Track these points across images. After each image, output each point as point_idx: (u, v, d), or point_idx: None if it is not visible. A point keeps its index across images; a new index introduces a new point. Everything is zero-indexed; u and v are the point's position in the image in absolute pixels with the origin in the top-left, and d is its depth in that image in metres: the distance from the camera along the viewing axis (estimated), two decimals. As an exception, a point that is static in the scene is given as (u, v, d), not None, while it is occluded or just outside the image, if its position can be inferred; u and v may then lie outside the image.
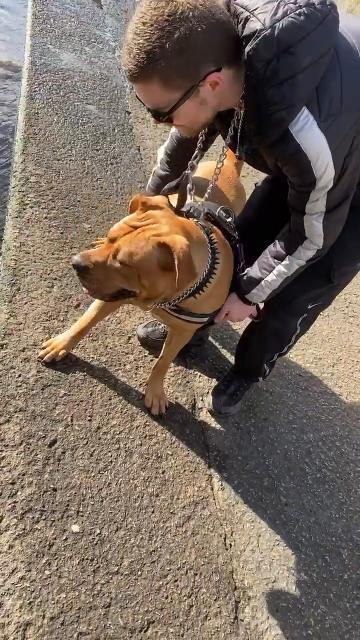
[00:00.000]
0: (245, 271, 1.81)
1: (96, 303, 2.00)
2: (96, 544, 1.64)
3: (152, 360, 2.29)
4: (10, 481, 1.65)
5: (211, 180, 1.75)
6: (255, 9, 1.21)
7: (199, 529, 1.85)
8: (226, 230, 1.79)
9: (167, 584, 1.66)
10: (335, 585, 1.92)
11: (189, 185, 1.71)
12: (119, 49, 4.70)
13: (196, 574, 1.73)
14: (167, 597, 1.64)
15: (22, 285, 2.23)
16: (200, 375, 2.40)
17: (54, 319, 2.18)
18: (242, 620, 1.70)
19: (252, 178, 3.30)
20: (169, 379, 2.29)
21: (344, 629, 1.81)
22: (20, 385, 1.89)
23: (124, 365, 2.20)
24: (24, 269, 2.30)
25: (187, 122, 1.40)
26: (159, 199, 1.57)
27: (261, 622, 1.71)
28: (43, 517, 1.62)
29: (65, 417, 1.90)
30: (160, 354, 2.12)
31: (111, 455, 1.88)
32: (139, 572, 1.64)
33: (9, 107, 3.53)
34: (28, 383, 1.92)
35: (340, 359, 2.95)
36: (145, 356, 2.30)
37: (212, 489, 2.00)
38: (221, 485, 2.02)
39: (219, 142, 1.73)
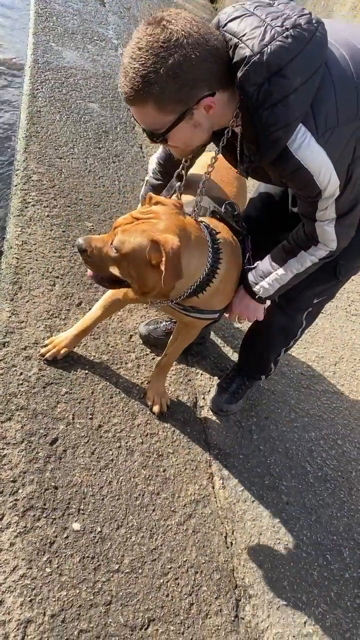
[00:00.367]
0: (255, 264, 1.81)
1: (100, 302, 2.02)
2: (97, 541, 1.65)
3: (153, 359, 2.30)
4: (11, 479, 1.65)
5: (204, 176, 1.74)
6: (244, 35, 1.24)
7: (200, 527, 1.85)
8: (233, 226, 1.82)
9: (167, 582, 1.67)
10: (336, 584, 1.92)
11: (177, 185, 1.73)
12: (122, 46, 4.70)
13: (197, 572, 1.73)
14: (167, 595, 1.64)
15: (24, 284, 2.23)
16: (202, 374, 2.40)
17: (55, 317, 2.19)
18: (243, 619, 1.70)
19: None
20: (170, 377, 2.29)
21: (344, 628, 1.81)
22: (22, 384, 1.90)
23: (126, 363, 2.20)
24: (26, 267, 2.30)
25: (181, 144, 1.43)
26: (168, 200, 1.62)
27: (262, 620, 1.72)
28: (44, 515, 1.63)
29: (66, 415, 1.90)
30: (164, 352, 2.12)
31: (112, 454, 1.88)
32: (140, 570, 1.65)
33: (12, 105, 3.53)
34: (29, 381, 1.92)
35: (343, 358, 2.94)
36: (146, 354, 2.30)
37: (213, 488, 2.00)
38: (222, 483, 2.02)
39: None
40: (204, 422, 2.20)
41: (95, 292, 2.40)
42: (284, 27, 1.22)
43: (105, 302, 2.00)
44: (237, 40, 1.25)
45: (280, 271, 1.70)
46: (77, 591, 1.52)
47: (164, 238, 1.46)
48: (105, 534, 1.68)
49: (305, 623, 1.77)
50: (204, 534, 1.84)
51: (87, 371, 2.07)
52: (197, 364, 2.44)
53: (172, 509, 1.85)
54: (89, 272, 1.68)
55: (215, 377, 2.41)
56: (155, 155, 1.99)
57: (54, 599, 1.48)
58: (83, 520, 1.67)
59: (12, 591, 1.45)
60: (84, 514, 1.69)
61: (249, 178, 1.70)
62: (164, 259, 1.44)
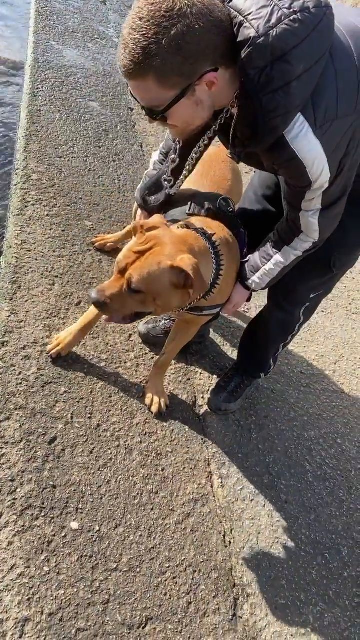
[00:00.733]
0: (247, 258, 1.83)
1: None
2: (95, 541, 1.65)
3: (153, 358, 2.30)
4: (10, 478, 1.66)
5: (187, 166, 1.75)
6: (249, 14, 1.19)
7: (199, 526, 1.85)
8: (229, 220, 1.84)
9: (165, 580, 1.67)
10: (335, 583, 1.92)
11: (164, 176, 1.72)
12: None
13: (195, 571, 1.73)
14: (165, 594, 1.64)
15: (23, 283, 2.23)
16: (201, 373, 2.40)
17: (54, 316, 2.19)
18: (241, 618, 1.70)
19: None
20: (169, 376, 2.29)
21: (343, 627, 1.81)
22: (21, 383, 1.90)
23: (125, 362, 2.21)
24: (25, 266, 2.31)
25: (181, 123, 1.37)
26: (155, 220, 1.63)
27: (260, 619, 1.72)
28: (42, 514, 1.63)
29: (65, 414, 1.91)
30: (162, 351, 2.12)
31: (111, 453, 1.89)
32: (138, 569, 1.65)
33: (12, 104, 3.53)
34: (28, 381, 1.92)
35: (343, 356, 2.94)
36: (146, 354, 2.30)
37: (211, 487, 2.00)
38: (221, 482, 2.02)
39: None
40: (203, 421, 2.21)
41: (95, 292, 2.40)
42: (291, 10, 1.17)
43: None
44: (242, 19, 1.20)
45: (268, 266, 1.73)
46: (75, 590, 1.53)
47: (181, 260, 1.50)
48: (104, 533, 1.68)
49: (303, 622, 1.77)
50: (202, 533, 1.84)
51: (86, 370, 2.07)
52: (196, 362, 2.44)
53: (171, 508, 1.85)
54: (106, 317, 1.67)
55: (215, 376, 2.41)
56: (157, 151, 1.98)
57: (51, 598, 1.49)
58: (81, 519, 1.68)
59: (10, 590, 1.45)
60: (82, 513, 1.69)
61: (240, 163, 1.68)
62: (192, 279, 1.49)
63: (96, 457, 1.85)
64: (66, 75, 3.84)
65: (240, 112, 1.35)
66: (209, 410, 2.24)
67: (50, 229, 2.56)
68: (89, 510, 1.71)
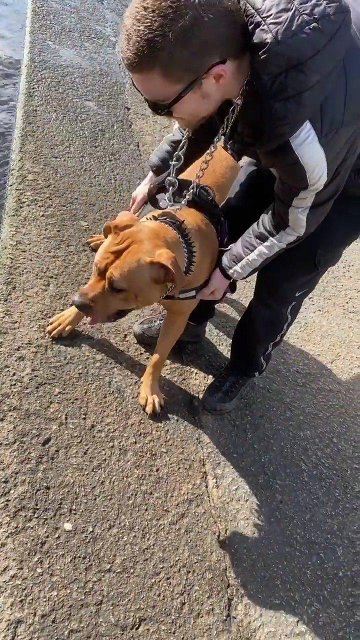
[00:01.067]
0: (229, 247, 1.83)
1: None
2: (89, 541, 1.65)
3: (148, 358, 2.30)
4: (3, 479, 1.66)
5: (195, 179, 1.75)
6: (268, 16, 1.14)
7: (193, 526, 1.85)
8: (209, 209, 1.88)
9: (159, 581, 1.67)
10: (330, 583, 1.92)
11: (169, 178, 1.71)
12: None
13: (189, 572, 1.73)
14: (159, 595, 1.64)
15: (18, 284, 2.23)
16: (196, 373, 2.40)
17: (49, 317, 2.19)
18: (235, 618, 1.71)
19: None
20: (164, 376, 2.29)
21: (337, 626, 1.81)
22: (15, 384, 1.90)
23: (120, 363, 2.20)
24: (20, 267, 2.31)
25: (187, 116, 1.33)
26: (126, 219, 1.65)
27: (254, 620, 1.72)
28: (35, 515, 1.63)
29: (59, 415, 1.91)
30: (155, 350, 2.13)
31: (105, 454, 1.89)
32: (132, 570, 1.65)
33: (8, 104, 3.53)
34: (22, 382, 1.92)
35: (340, 355, 2.94)
36: (141, 354, 2.30)
37: (206, 487, 2.00)
38: (216, 482, 2.02)
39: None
40: (198, 421, 2.21)
41: (90, 292, 2.40)
42: (312, 17, 1.12)
43: None
44: (259, 20, 1.14)
45: (251, 256, 1.73)
46: (68, 591, 1.53)
47: (159, 255, 1.55)
48: (97, 534, 1.68)
49: (297, 622, 1.77)
50: (196, 533, 1.84)
51: (80, 371, 2.07)
52: (191, 363, 2.44)
53: (165, 508, 1.85)
54: (89, 319, 1.72)
55: (210, 376, 2.41)
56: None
57: (44, 599, 1.49)
58: (75, 520, 1.68)
59: (3, 592, 1.46)
60: (75, 514, 1.69)
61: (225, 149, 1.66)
62: (172, 272, 1.54)
63: (90, 458, 1.85)
64: (62, 74, 3.83)
65: (244, 110, 1.32)
66: (204, 410, 2.24)
67: (46, 229, 2.56)
68: (82, 511, 1.71)
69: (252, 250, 1.72)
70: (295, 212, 1.51)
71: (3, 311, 2.10)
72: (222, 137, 1.54)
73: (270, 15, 1.14)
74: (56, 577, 1.54)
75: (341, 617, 1.84)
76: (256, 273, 1.95)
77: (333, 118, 1.26)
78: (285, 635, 1.72)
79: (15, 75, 3.82)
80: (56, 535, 1.62)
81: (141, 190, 2.13)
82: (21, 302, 2.18)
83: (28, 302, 2.19)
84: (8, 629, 1.40)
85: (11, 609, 1.43)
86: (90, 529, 1.68)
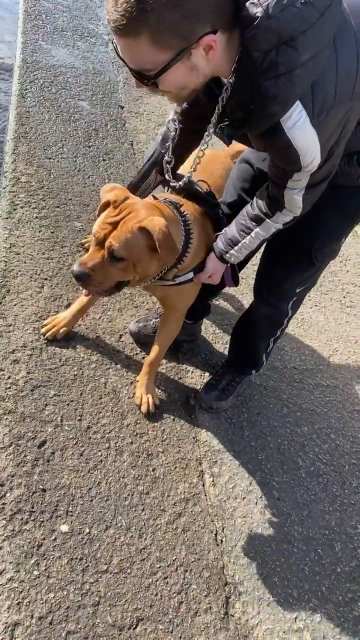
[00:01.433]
0: (223, 231, 1.82)
1: None
2: (85, 543, 1.66)
3: (143, 358, 2.30)
4: (-1, 483, 1.67)
5: (189, 172, 1.76)
6: None
7: (190, 525, 1.86)
8: (209, 204, 1.90)
9: (156, 581, 1.68)
10: (328, 579, 1.93)
11: (166, 158, 1.72)
12: (113, 42, 4.67)
13: (186, 571, 1.74)
14: (156, 595, 1.65)
15: (12, 287, 2.24)
16: (192, 371, 2.40)
17: (44, 319, 2.19)
18: (233, 616, 1.71)
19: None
20: (161, 375, 2.29)
21: (335, 622, 1.82)
22: (10, 387, 1.91)
23: (115, 364, 2.21)
24: (14, 270, 2.31)
25: (174, 89, 1.27)
26: (119, 193, 1.65)
27: (252, 617, 1.73)
28: (32, 518, 1.64)
29: (55, 417, 1.91)
30: (152, 348, 2.13)
31: (101, 455, 1.90)
32: (129, 570, 1.66)
33: (0, 106, 3.52)
34: (17, 384, 1.93)
35: (337, 350, 2.94)
36: (137, 354, 2.31)
37: (203, 485, 2.01)
38: (213, 481, 2.03)
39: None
40: (194, 420, 2.21)
41: (85, 293, 2.41)
42: None
43: None
44: None
45: (248, 239, 1.71)
46: (65, 593, 1.54)
47: (149, 222, 1.56)
48: (94, 535, 1.69)
49: (296, 618, 1.78)
50: (193, 532, 1.85)
51: (75, 373, 2.08)
52: (187, 361, 2.44)
53: (162, 508, 1.86)
54: (85, 291, 1.74)
55: (207, 374, 2.41)
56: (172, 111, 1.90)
57: (41, 601, 1.50)
58: (71, 522, 1.69)
59: (0, 594, 1.47)
60: (72, 515, 1.70)
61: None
62: (156, 242, 1.55)
63: (86, 459, 1.86)
64: (55, 75, 3.83)
65: (235, 89, 1.28)
66: (200, 408, 2.25)
67: (40, 231, 2.56)
68: (79, 513, 1.72)
69: (248, 233, 1.70)
70: (291, 193, 1.48)
71: (-3, 314, 2.10)
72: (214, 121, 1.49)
73: None
74: (53, 579, 1.55)
75: (339, 613, 1.85)
76: (255, 273, 1.96)
77: (324, 98, 1.23)
78: (284, 632, 1.73)
79: (7, 78, 3.81)
80: (53, 538, 1.63)
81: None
82: (15, 305, 2.18)
83: (22, 305, 2.19)
84: (5, 632, 1.41)
85: (8, 611, 1.44)
86: (87, 531, 1.69)
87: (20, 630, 1.43)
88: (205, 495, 1.98)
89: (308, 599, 1.84)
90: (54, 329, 2.13)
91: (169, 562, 1.74)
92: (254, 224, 1.68)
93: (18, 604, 1.47)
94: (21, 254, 2.40)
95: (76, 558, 1.62)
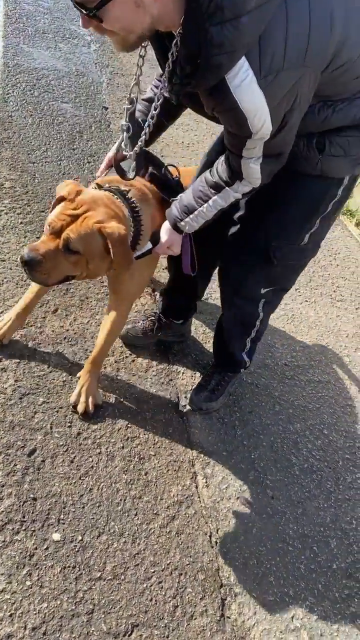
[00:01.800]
0: (178, 197, 1.72)
1: None
2: (78, 550, 1.65)
3: (133, 361, 2.29)
4: (-11, 494, 1.66)
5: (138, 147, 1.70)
6: None
7: (184, 528, 1.85)
8: (170, 189, 1.88)
9: (151, 586, 1.67)
10: (324, 576, 1.92)
11: (122, 122, 1.65)
12: (95, 42, 4.66)
13: (181, 574, 1.74)
14: (151, 600, 1.64)
15: (-2, 294, 2.22)
16: (183, 372, 2.39)
17: (31, 325, 2.18)
18: (229, 618, 1.71)
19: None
20: (151, 378, 2.29)
21: (332, 619, 1.81)
22: (-2, 396, 1.90)
23: (104, 367, 2.20)
24: (0, 276, 2.29)
25: (120, 28, 1.21)
26: (73, 188, 1.66)
27: (248, 618, 1.72)
28: (23, 528, 1.63)
29: (44, 425, 1.90)
30: (95, 344, 2.04)
31: (92, 461, 1.89)
32: (122, 577, 1.65)
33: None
34: (5, 393, 1.92)
35: (328, 345, 2.93)
36: (125, 357, 2.30)
37: (196, 487, 2.00)
38: (206, 482, 2.02)
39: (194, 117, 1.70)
40: (186, 421, 2.20)
41: (72, 298, 2.40)
42: None
43: None
44: None
45: (205, 207, 1.62)
46: (59, 602, 1.53)
47: (110, 227, 1.58)
48: (86, 542, 1.68)
49: (292, 618, 1.78)
50: (187, 534, 1.84)
51: (64, 379, 2.07)
52: (178, 362, 2.43)
53: (155, 512, 1.85)
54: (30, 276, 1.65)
55: (197, 374, 2.40)
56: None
57: (34, 612, 1.49)
58: (63, 530, 1.68)
59: (-8, 607, 1.46)
60: (64, 523, 1.69)
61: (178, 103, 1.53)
62: (111, 249, 1.58)
63: (77, 466, 1.85)
64: (37, 77, 3.81)
65: (182, 44, 1.22)
66: (191, 410, 2.24)
67: (25, 237, 2.55)
68: (70, 520, 1.71)
69: (205, 200, 1.62)
70: (248, 162, 1.43)
71: (-17, 323, 2.09)
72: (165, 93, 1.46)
73: None
74: (46, 589, 1.54)
75: (336, 610, 1.84)
76: (218, 278, 1.94)
77: (272, 58, 1.18)
78: (281, 632, 1.73)
79: None
80: (45, 547, 1.62)
81: (110, 155, 1.98)
82: (2, 312, 2.17)
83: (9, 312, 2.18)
84: (-2, 644, 1.40)
85: (1, 623, 1.44)
86: (79, 538, 1.68)
87: (13, 642, 1.42)
88: (199, 497, 1.97)
89: (304, 598, 1.84)
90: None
91: (163, 567, 1.73)
92: (212, 191, 1.60)
93: (11, 615, 1.46)
94: (7, 260, 2.39)
95: (69, 566, 1.61)
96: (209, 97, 1.31)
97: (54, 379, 2.05)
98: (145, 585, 1.67)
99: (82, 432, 1.94)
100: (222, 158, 1.57)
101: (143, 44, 1.39)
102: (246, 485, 2.08)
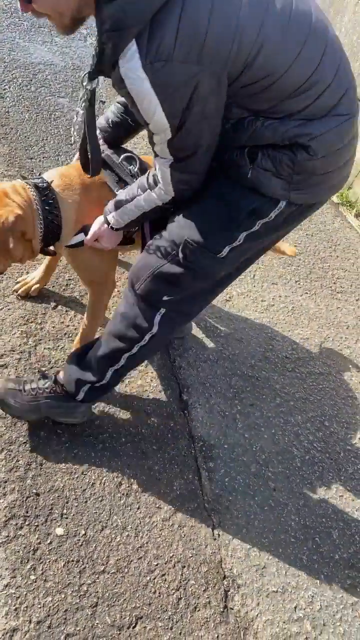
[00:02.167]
0: (118, 193, 1.73)
1: None
2: (81, 545, 1.67)
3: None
4: (-8, 490, 1.67)
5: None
6: None
7: (186, 521, 1.87)
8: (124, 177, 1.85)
9: (154, 578, 1.69)
10: (326, 566, 1.94)
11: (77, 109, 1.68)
12: (91, 36, 4.63)
13: (184, 567, 1.75)
14: (155, 592, 1.66)
15: (-2, 291, 2.23)
16: (184, 367, 2.40)
17: (31, 322, 2.19)
18: (232, 609, 1.72)
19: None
20: (152, 372, 2.29)
21: (335, 609, 1.83)
22: (-1, 393, 1.90)
23: (105, 362, 2.20)
24: (-1, 274, 2.30)
25: (50, 10, 1.25)
26: None
27: (251, 609, 1.74)
28: (27, 523, 1.65)
29: (46, 420, 1.91)
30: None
31: (94, 455, 1.90)
32: (126, 570, 1.67)
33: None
34: (7, 390, 1.93)
35: (329, 337, 2.93)
36: (126, 352, 2.30)
37: (199, 480, 2.01)
38: (208, 475, 2.03)
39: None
40: (188, 415, 2.21)
41: (72, 293, 2.40)
42: None
43: None
44: None
45: (130, 206, 1.60)
46: (63, 596, 1.55)
47: None
48: (90, 536, 1.70)
49: (295, 608, 1.79)
50: (190, 527, 1.86)
51: (65, 374, 2.08)
52: (179, 357, 2.44)
53: (158, 505, 1.87)
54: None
55: (199, 369, 2.41)
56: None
57: (39, 606, 1.50)
58: (66, 524, 1.69)
59: (-3, 601, 1.47)
60: (67, 518, 1.71)
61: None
62: None
63: (79, 461, 1.86)
64: (34, 72, 3.79)
65: (96, 25, 1.23)
66: (193, 404, 2.24)
67: (24, 233, 2.55)
68: (74, 515, 1.72)
69: (132, 199, 1.59)
70: (160, 162, 1.43)
71: (-16, 320, 2.10)
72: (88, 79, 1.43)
73: None
74: (50, 583, 1.56)
75: (338, 600, 1.86)
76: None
77: (160, 45, 1.17)
78: (284, 622, 1.74)
79: None
80: (48, 541, 1.63)
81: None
82: (2, 308, 2.17)
83: (9, 309, 2.19)
84: (4, 638, 1.41)
85: (6, 617, 1.45)
86: (83, 532, 1.70)
87: (19, 636, 1.43)
88: (201, 490, 1.98)
89: (307, 588, 1.85)
90: (25, 286, 2.26)
91: (166, 559, 1.74)
92: (139, 191, 1.58)
93: (16, 609, 1.48)
94: (6, 257, 2.39)
95: (73, 560, 1.62)
96: (113, 81, 1.31)
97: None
98: (148, 578, 1.68)
99: (84, 427, 1.95)
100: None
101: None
102: (248, 478, 2.09)
